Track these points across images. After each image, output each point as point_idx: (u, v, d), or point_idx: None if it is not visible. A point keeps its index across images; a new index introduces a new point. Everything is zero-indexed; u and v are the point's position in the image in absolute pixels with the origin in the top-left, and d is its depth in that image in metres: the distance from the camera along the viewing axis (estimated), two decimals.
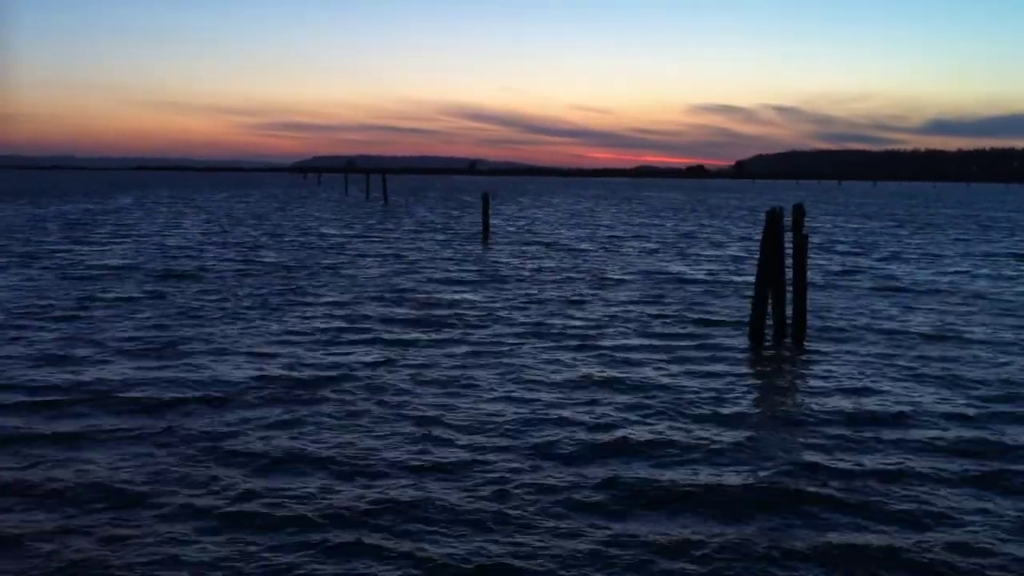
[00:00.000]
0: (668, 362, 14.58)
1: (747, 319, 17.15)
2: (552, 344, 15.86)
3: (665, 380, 13.26)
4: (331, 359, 14.34)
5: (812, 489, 8.81)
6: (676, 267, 29.46)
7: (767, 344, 16.14)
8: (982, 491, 8.90)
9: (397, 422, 10.93)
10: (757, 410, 11.87)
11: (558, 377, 13.34)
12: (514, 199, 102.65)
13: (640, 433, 10.58)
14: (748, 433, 10.67)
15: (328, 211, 66.30)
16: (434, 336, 16.37)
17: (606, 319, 18.67)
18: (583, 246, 37.82)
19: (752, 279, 18.14)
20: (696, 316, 19.11)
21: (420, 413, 11.31)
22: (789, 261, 16.13)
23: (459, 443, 10.14)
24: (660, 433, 10.61)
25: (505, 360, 14.43)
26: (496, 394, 12.31)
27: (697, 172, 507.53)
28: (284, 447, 9.92)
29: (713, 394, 12.47)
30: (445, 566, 7.15)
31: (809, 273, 16.77)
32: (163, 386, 12.41)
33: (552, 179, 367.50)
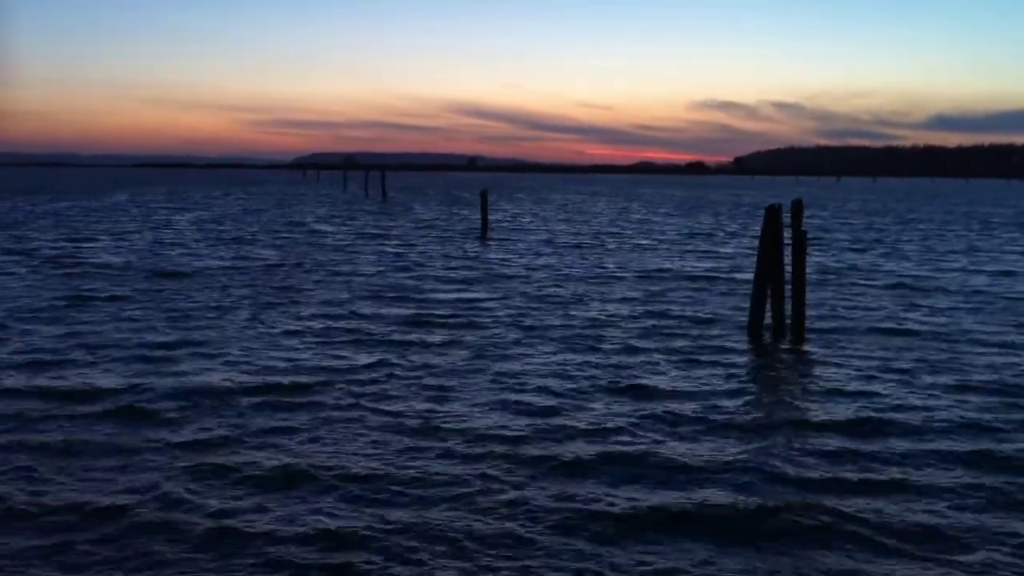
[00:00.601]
0: (667, 362, 14.38)
1: (746, 317, 16.95)
2: (551, 343, 15.63)
3: (664, 380, 13.06)
4: (326, 361, 14.09)
5: (811, 500, 8.59)
6: (675, 264, 29.26)
7: (766, 343, 15.96)
8: (990, 503, 8.68)
9: (392, 428, 10.70)
10: (754, 413, 11.62)
11: (557, 378, 13.11)
12: (513, 196, 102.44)
13: (637, 439, 10.36)
14: (746, 439, 10.44)
15: (325, 208, 66.08)
16: (431, 337, 16.14)
17: (604, 317, 18.48)
18: (582, 243, 37.67)
19: (751, 276, 17.93)
20: (694, 314, 18.95)
21: (416, 418, 11.08)
22: (788, 259, 15.94)
23: (454, 452, 9.92)
24: (657, 440, 10.38)
25: (503, 361, 14.21)
26: (491, 398, 12.08)
27: (697, 168, 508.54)
28: (276, 458, 9.64)
29: (711, 396, 12.25)
30: None
31: (808, 270, 16.56)
32: (145, 392, 12.18)
33: (552, 175, 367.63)
